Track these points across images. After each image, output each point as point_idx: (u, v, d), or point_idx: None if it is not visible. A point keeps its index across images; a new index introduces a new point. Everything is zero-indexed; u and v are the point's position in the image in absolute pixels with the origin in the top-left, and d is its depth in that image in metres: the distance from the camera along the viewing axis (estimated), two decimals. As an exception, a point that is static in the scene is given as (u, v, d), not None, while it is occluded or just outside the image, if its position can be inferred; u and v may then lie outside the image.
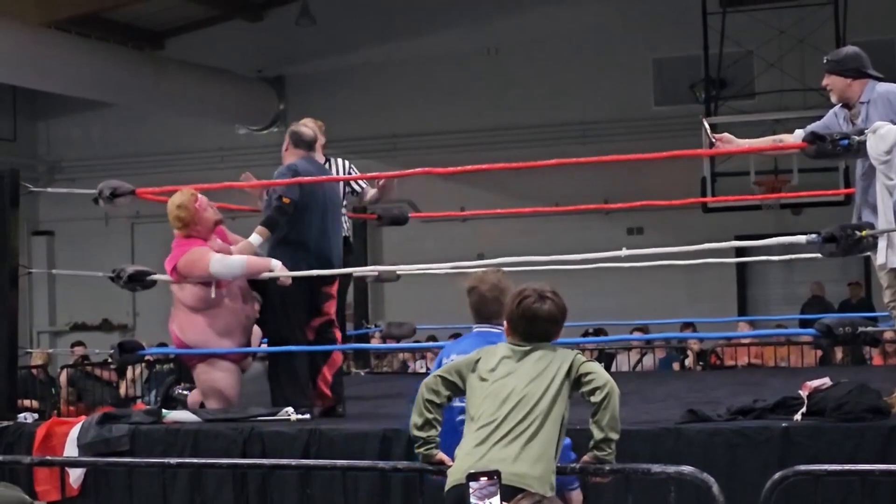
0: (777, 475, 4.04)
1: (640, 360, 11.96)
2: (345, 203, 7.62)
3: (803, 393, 5.37)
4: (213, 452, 5.72)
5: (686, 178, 13.63)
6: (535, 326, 4.24)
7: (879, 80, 5.73)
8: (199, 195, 6.50)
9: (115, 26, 16.96)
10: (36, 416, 7.87)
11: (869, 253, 5.47)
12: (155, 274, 6.66)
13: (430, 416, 4.23)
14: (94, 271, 7.47)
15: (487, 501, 3.46)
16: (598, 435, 4.10)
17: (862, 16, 14.72)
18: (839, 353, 11.05)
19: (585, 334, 11.31)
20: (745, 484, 4.84)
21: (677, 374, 11.11)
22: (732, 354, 11.73)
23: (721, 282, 15.87)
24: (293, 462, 5.24)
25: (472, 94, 17.20)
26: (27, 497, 3.35)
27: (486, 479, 3.51)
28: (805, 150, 5.61)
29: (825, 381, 5.44)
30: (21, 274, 6.86)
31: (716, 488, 3.95)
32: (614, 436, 4.11)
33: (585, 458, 4.19)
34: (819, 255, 5.42)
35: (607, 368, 6.12)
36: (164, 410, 6.32)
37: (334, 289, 6.71)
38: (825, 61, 5.81)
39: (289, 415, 6.12)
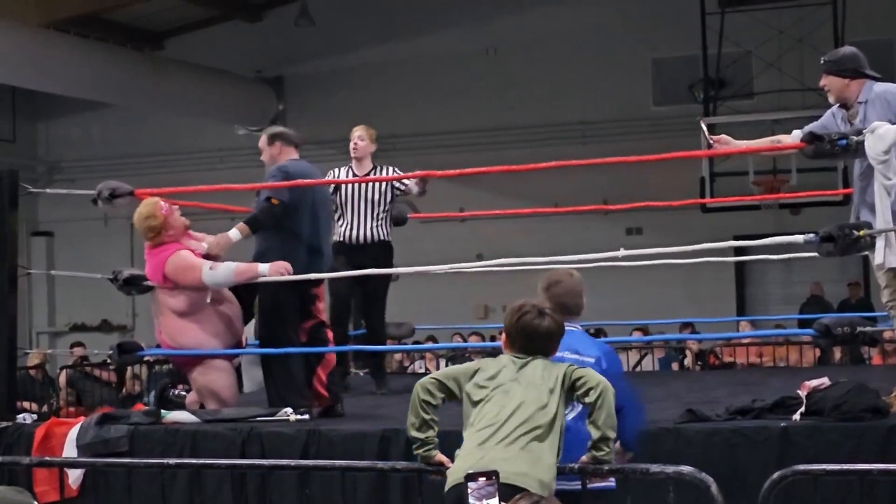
0: (776, 475, 4.04)
1: (639, 361, 11.96)
2: (387, 206, 7.81)
3: (802, 393, 5.38)
4: (212, 453, 5.72)
5: (685, 179, 13.63)
6: (533, 342, 4.27)
7: (877, 80, 5.72)
8: (161, 201, 6.51)
9: (114, 27, 16.96)
10: (35, 416, 7.88)
11: (867, 253, 5.47)
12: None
13: (427, 416, 4.24)
14: (94, 272, 7.47)
15: (486, 501, 3.47)
16: (595, 435, 4.11)
17: (860, 16, 14.73)
18: (838, 353, 11.05)
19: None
20: (743, 484, 4.84)
21: (676, 374, 11.10)
22: (731, 354, 11.73)
23: (720, 282, 15.88)
24: (292, 462, 5.24)
25: (472, 95, 17.20)
26: (34, 502, 3.33)
27: (484, 479, 3.52)
28: (803, 150, 5.62)
29: (824, 381, 5.45)
30: (20, 275, 6.85)
31: (714, 488, 3.95)
32: (611, 434, 4.12)
33: (583, 458, 4.19)
34: (817, 254, 5.42)
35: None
36: (163, 411, 6.32)
37: (321, 290, 6.71)
38: (823, 62, 5.81)
39: (288, 415, 6.12)
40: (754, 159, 13.33)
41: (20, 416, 6.95)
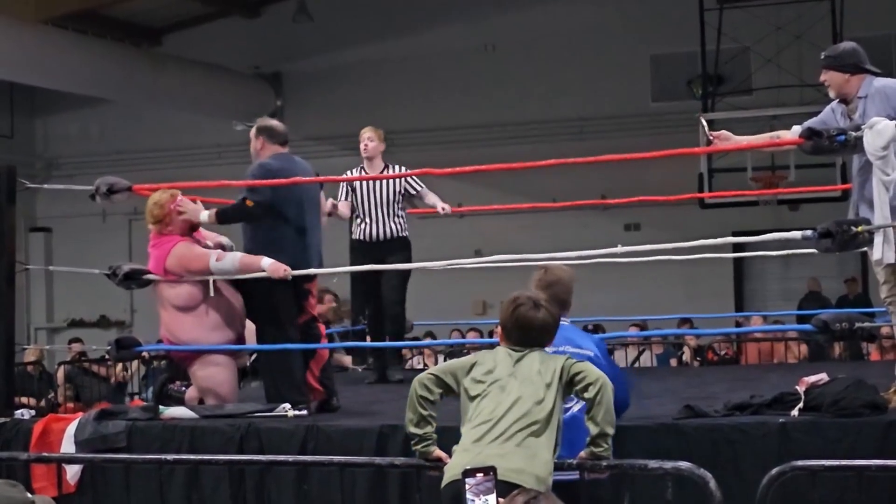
0: (774, 471, 4.04)
1: (637, 357, 11.96)
2: (401, 203, 8.24)
3: (800, 388, 5.37)
4: (210, 449, 5.72)
5: (683, 174, 13.62)
6: (528, 334, 4.27)
7: (877, 75, 5.72)
8: (181, 197, 6.50)
9: (112, 23, 16.93)
10: (33, 412, 7.87)
11: (865, 248, 5.47)
12: (151, 272, 6.65)
13: (424, 412, 4.24)
14: (92, 268, 7.45)
15: (483, 498, 3.47)
16: (594, 430, 4.11)
17: (859, 12, 14.71)
18: (836, 349, 11.05)
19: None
20: (742, 479, 4.85)
21: (675, 370, 11.12)
22: (730, 349, 11.74)
23: (718, 278, 15.87)
24: (290, 458, 5.25)
25: (470, 91, 17.19)
26: (29, 496, 3.33)
27: (482, 475, 3.51)
28: (802, 146, 5.61)
29: (822, 377, 5.44)
30: (18, 270, 6.86)
31: (713, 484, 3.94)
32: (610, 430, 4.12)
33: (582, 454, 4.19)
34: (816, 250, 5.42)
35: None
36: (161, 407, 6.32)
37: (314, 286, 6.70)
38: (823, 57, 5.80)
39: (286, 411, 6.12)
40: (753, 155, 13.33)
41: (18, 411, 6.93)
